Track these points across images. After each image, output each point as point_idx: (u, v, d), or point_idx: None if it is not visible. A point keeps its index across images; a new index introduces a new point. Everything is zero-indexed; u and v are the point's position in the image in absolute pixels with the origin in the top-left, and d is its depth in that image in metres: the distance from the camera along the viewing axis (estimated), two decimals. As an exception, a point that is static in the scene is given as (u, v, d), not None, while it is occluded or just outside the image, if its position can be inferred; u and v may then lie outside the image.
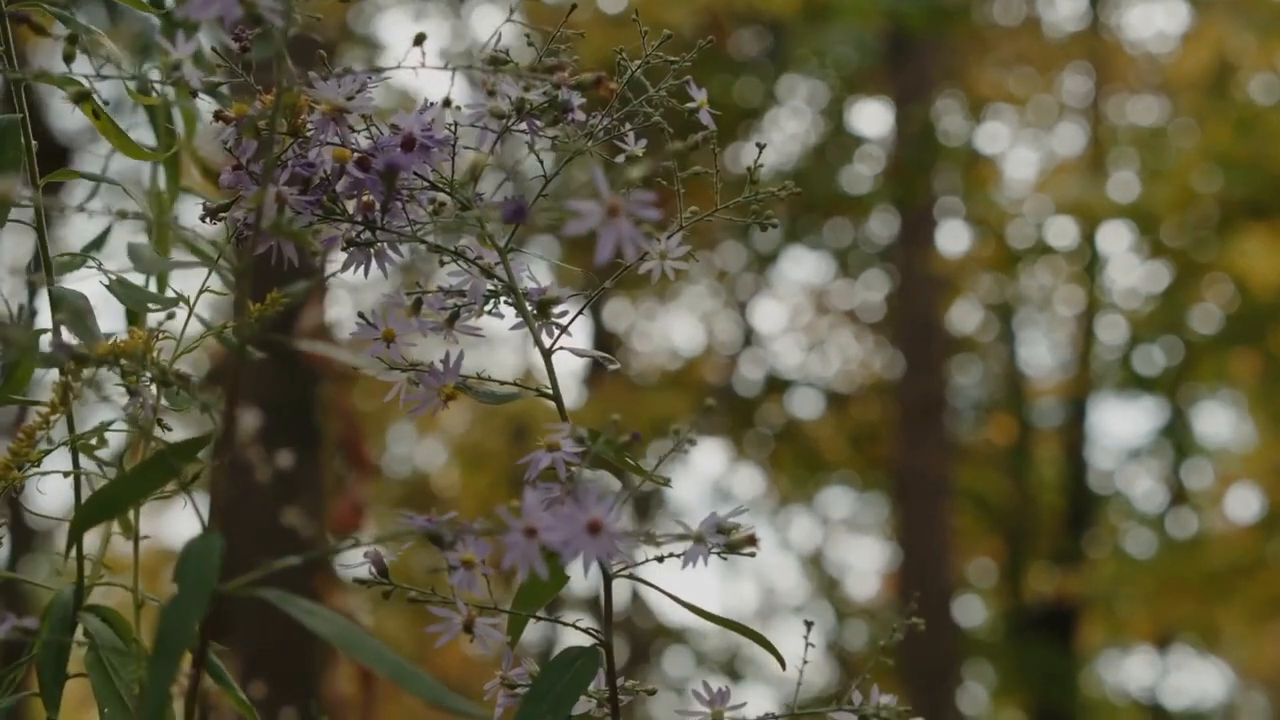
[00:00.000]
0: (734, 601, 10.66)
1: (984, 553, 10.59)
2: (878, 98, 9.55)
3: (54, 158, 5.45)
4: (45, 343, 1.21)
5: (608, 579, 1.27)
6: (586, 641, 1.27)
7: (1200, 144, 8.19)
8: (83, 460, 1.46)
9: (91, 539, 1.53)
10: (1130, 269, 9.58)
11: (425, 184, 1.25)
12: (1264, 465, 9.52)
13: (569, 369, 10.06)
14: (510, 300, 1.30)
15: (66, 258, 1.51)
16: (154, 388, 1.26)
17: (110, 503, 1.23)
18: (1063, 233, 9.35)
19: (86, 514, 1.23)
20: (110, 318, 1.53)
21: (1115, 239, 9.43)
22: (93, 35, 1.34)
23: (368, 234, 1.26)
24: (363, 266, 1.29)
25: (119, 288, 1.48)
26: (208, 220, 1.28)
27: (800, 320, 10.68)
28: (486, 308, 1.32)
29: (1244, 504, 10.29)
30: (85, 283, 1.57)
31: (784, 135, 9.51)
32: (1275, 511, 9.60)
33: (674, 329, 10.63)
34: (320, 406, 4.13)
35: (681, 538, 1.17)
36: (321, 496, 3.91)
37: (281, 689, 3.21)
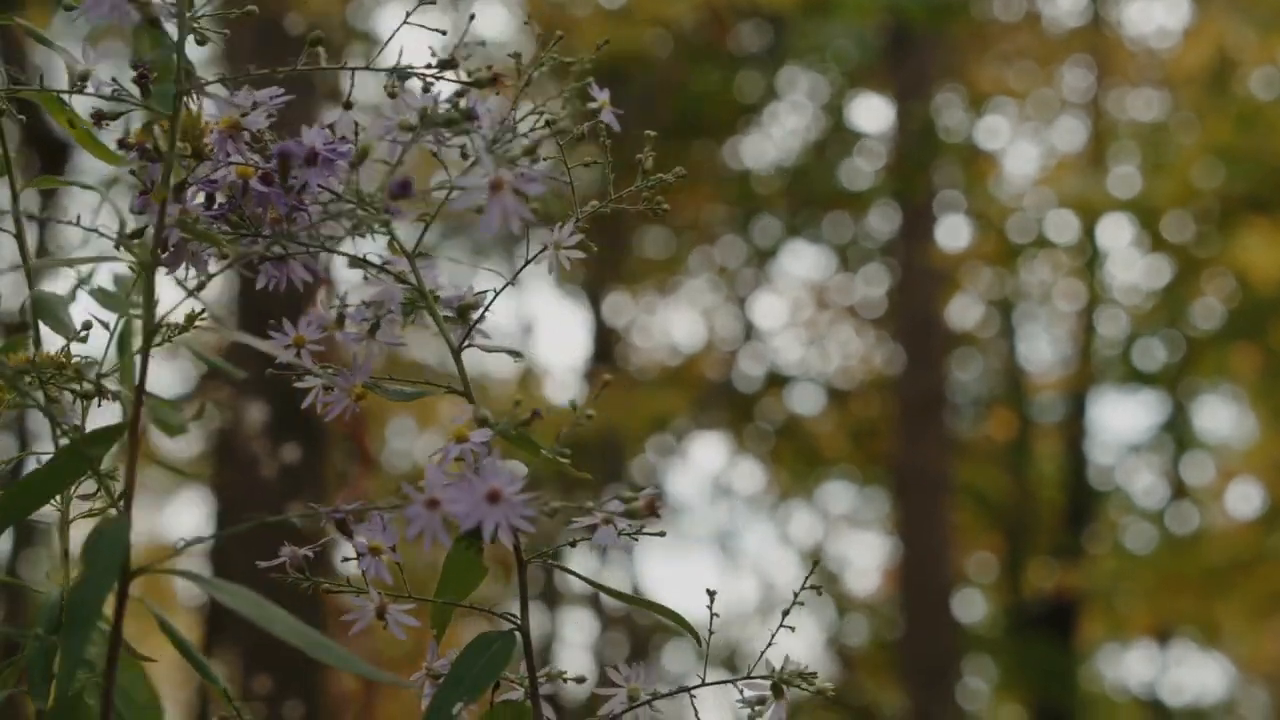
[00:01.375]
0: (733, 597, 10.67)
1: (984, 548, 10.59)
2: (878, 93, 9.54)
3: (52, 155, 5.44)
4: None
5: (521, 564, 1.30)
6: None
7: (1201, 139, 8.19)
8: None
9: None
10: (1131, 264, 9.58)
11: (332, 196, 1.26)
12: (1265, 460, 9.53)
13: (571, 366, 10.06)
14: (423, 304, 1.33)
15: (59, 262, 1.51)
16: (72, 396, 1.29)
17: (25, 498, 1.23)
18: (1063, 227, 9.36)
19: (1, 512, 1.23)
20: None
21: (1116, 234, 9.44)
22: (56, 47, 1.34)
23: (278, 248, 1.28)
24: (279, 281, 1.30)
25: (100, 295, 1.51)
26: (122, 247, 1.28)
27: (800, 315, 10.69)
28: (409, 317, 1.34)
29: (1245, 499, 10.30)
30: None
31: (783, 130, 9.52)
32: (1276, 506, 9.61)
33: (674, 324, 10.64)
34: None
35: (584, 510, 1.19)
36: (324, 491, 3.91)
37: (284, 683, 3.21)
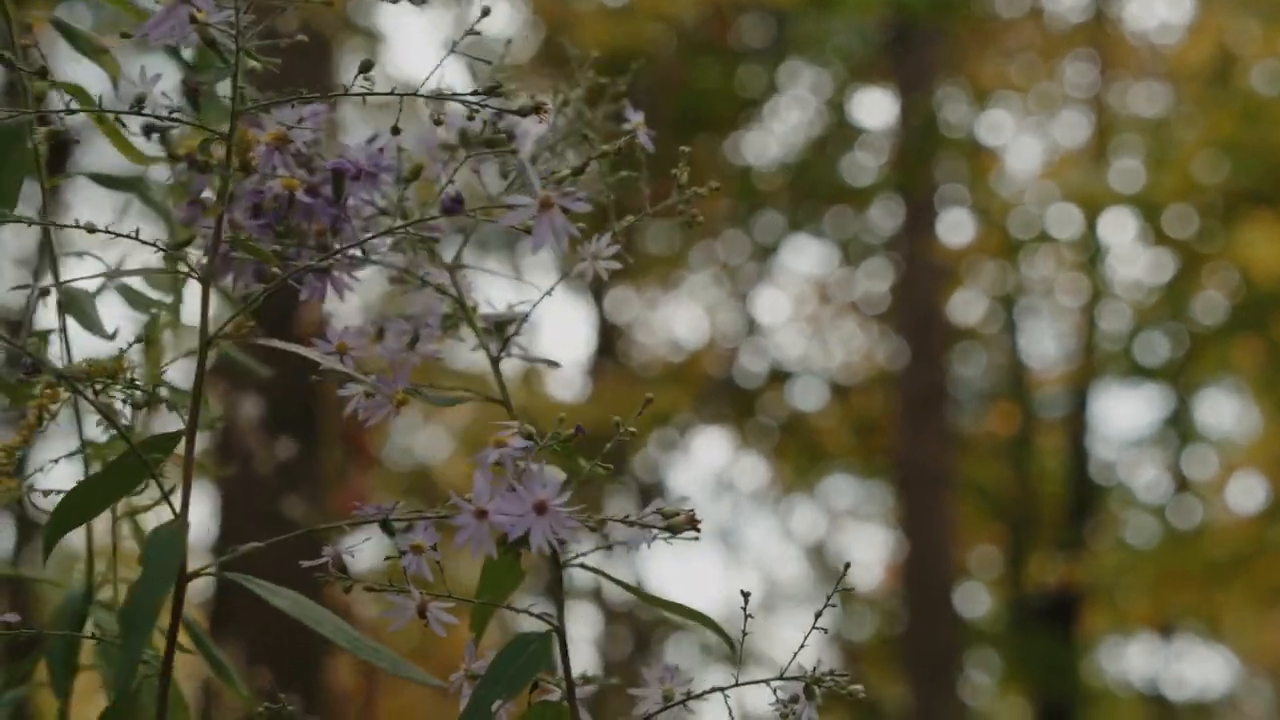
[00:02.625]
0: (735, 592, 10.65)
1: (987, 543, 10.59)
2: (881, 88, 9.54)
3: (57, 148, 5.45)
4: (24, 361, 1.26)
5: (558, 567, 1.33)
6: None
7: (1204, 133, 8.18)
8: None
9: (104, 534, 1.56)
10: (1134, 258, 9.58)
11: (376, 210, 1.31)
12: (1268, 454, 9.52)
13: (573, 362, 10.06)
14: (463, 316, 1.39)
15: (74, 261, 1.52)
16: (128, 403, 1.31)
17: (84, 505, 1.25)
18: (1066, 222, 9.35)
19: (61, 518, 1.24)
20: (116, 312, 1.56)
21: (1118, 229, 9.44)
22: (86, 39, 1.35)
23: (322, 259, 1.31)
24: (321, 292, 1.34)
25: (123, 291, 1.52)
26: (166, 254, 1.30)
27: (803, 311, 10.69)
28: (447, 330, 1.40)
29: (1248, 493, 10.29)
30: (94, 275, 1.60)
31: (785, 125, 9.51)
32: (1279, 500, 9.60)
33: (676, 319, 10.65)
34: (320, 397, 4.13)
35: (628, 522, 1.23)
36: (322, 486, 3.91)
37: (284, 676, 3.22)
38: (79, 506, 1.24)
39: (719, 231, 9.77)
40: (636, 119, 1.40)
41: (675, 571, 11.66)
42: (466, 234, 1.40)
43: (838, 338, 10.80)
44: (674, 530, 1.23)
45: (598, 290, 9.70)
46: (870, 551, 11.43)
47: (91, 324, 1.41)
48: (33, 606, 4.29)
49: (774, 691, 1.33)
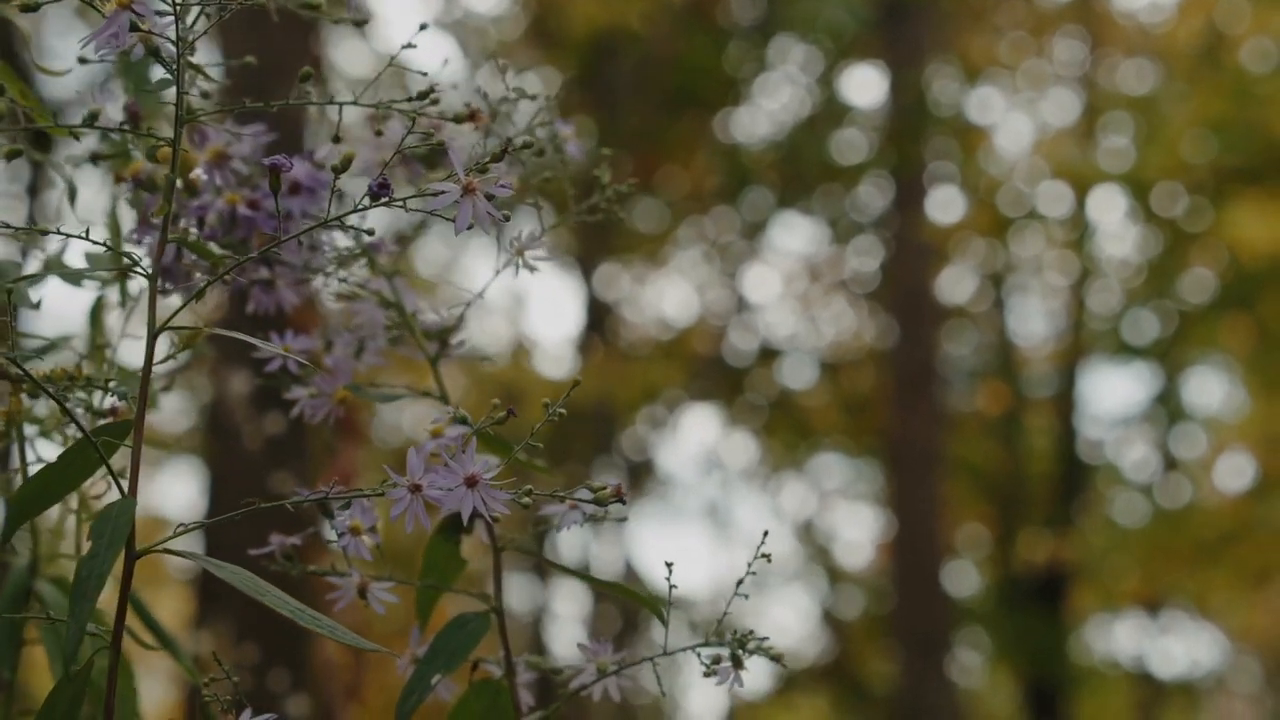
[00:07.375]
0: (724, 569, 10.68)
1: (977, 521, 10.61)
2: (872, 65, 9.51)
3: (39, 136, 5.42)
4: None
5: (497, 552, 1.41)
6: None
7: (1193, 111, 8.18)
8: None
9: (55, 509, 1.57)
10: (1123, 237, 9.58)
11: (318, 223, 1.38)
12: (1256, 432, 9.54)
13: (564, 337, 10.05)
14: (400, 322, 1.47)
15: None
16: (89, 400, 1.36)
17: (40, 494, 1.27)
18: (1055, 200, 9.35)
19: (18, 508, 1.26)
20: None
21: (1108, 206, 9.44)
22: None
23: (265, 272, 1.40)
24: (267, 306, 1.43)
25: (58, 266, 1.54)
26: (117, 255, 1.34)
27: (793, 289, 10.68)
28: (391, 340, 1.48)
29: (1236, 472, 10.31)
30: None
31: (775, 102, 9.49)
32: (1267, 479, 9.62)
33: (666, 297, 10.64)
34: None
35: (554, 497, 1.28)
36: (310, 463, 3.90)
37: (272, 652, 3.21)
38: (39, 494, 1.26)
39: (708, 208, 9.76)
40: (567, 130, 1.48)
41: (664, 549, 11.66)
42: (405, 243, 1.48)
43: (827, 316, 10.80)
44: (600, 503, 1.27)
45: (586, 267, 9.69)
46: (860, 530, 11.45)
47: (19, 297, 1.44)
48: None
49: (699, 656, 1.39)
